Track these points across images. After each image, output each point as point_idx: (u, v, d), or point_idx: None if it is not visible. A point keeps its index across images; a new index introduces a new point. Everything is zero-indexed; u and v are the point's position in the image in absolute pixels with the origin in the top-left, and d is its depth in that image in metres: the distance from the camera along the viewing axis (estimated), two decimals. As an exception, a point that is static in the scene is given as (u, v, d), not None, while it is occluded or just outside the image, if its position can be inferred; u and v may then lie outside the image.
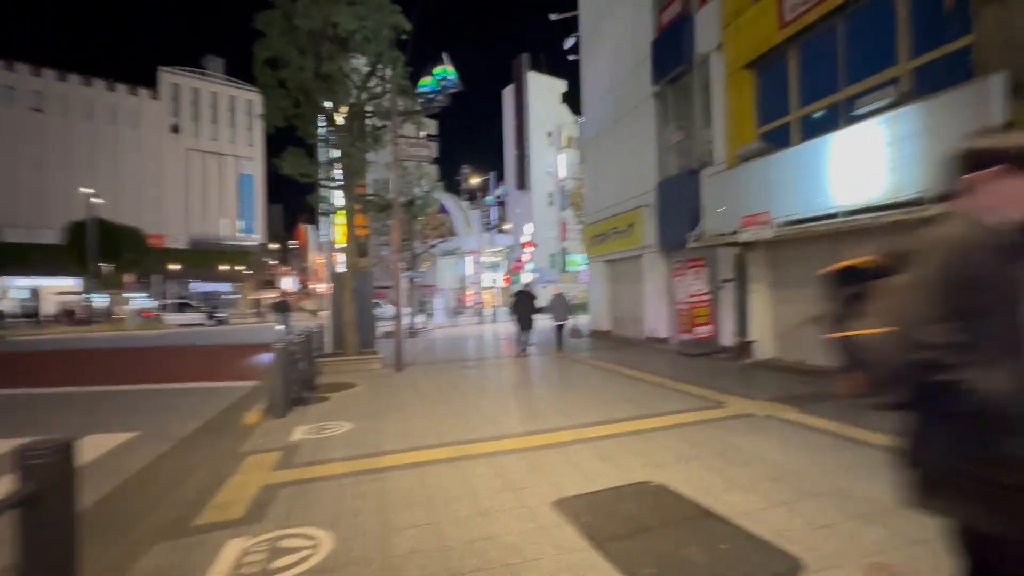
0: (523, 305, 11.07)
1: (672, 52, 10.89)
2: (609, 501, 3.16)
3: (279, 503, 3.32)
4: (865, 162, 5.85)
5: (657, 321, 12.13)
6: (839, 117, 6.94)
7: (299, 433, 5.15)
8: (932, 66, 5.80)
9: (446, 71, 9.74)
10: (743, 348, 8.71)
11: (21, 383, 9.15)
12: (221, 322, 31.09)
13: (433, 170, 19.32)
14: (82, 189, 31.39)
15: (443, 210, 37.91)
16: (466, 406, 6.10)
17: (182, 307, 31.47)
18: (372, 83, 10.41)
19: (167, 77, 58.45)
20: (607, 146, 14.45)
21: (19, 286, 45.79)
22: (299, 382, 6.72)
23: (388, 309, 22.28)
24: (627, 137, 13.25)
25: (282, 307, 14.90)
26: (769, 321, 8.59)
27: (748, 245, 8.51)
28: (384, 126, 10.98)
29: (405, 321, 18.01)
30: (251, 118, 57.90)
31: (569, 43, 18.38)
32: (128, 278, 27.58)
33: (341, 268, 10.74)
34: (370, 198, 12.36)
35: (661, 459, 3.89)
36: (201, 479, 3.89)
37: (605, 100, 14.47)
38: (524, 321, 10.98)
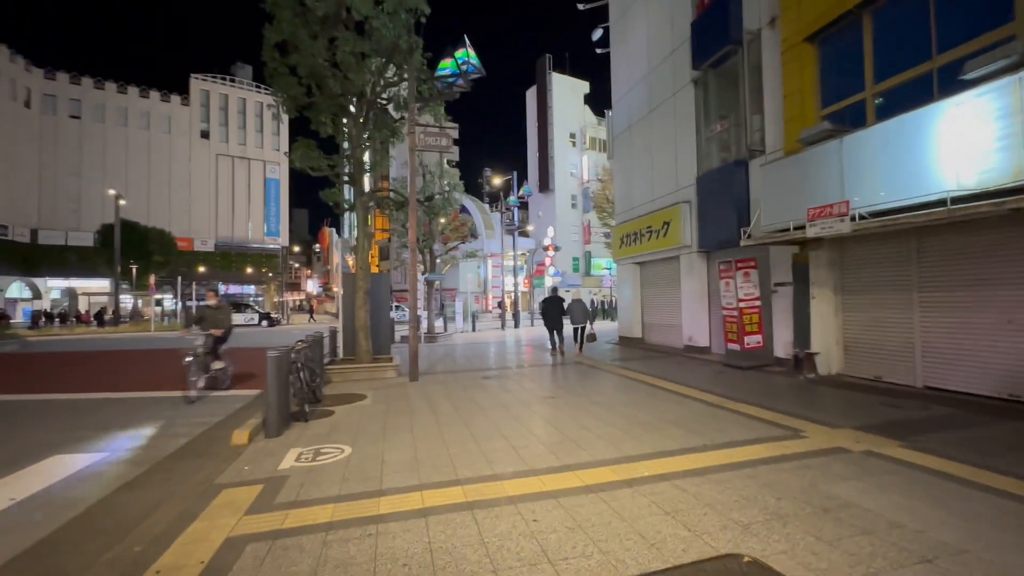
0: (553, 308, 11.82)
1: (715, 32, 9.86)
2: (688, 588, 2.22)
3: (240, 571, 2.49)
4: (979, 139, 4.76)
5: (696, 328, 11.05)
6: (932, 89, 5.85)
7: (290, 458, 4.35)
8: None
9: (468, 54, 8.92)
10: (803, 361, 7.60)
11: (19, 388, 8.67)
12: (272, 323, 31.21)
13: (455, 172, 18.61)
14: (109, 191, 31.75)
15: (464, 211, 37.32)
16: (487, 427, 5.21)
17: (236, 308, 31.73)
18: (389, 72, 9.71)
19: (198, 84, 59.92)
20: (639, 140, 13.44)
21: (56, 287, 47.30)
22: (301, 394, 5.96)
23: (407, 312, 21.62)
24: (662, 129, 12.24)
25: (207, 317, 7.77)
26: (834, 331, 7.46)
27: (810, 243, 7.42)
28: (402, 118, 10.29)
29: (423, 326, 17.30)
30: (278, 123, 58.75)
31: (597, 34, 17.43)
32: (152, 279, 27.67)
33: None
34: (386, 193, 11.65)
35: (745, 516, 2.92)
36: (157, 523, 3.11)
37: (637, 91, 13.49)
38: (555, 323, 11.72)
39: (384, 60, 9.37)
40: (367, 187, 9.71)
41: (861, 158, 5.94)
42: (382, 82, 9.53)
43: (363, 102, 9.50)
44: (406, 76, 9.45)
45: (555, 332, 11.72)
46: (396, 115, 10.57)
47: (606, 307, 26.91)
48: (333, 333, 10.39)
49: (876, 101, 6.51)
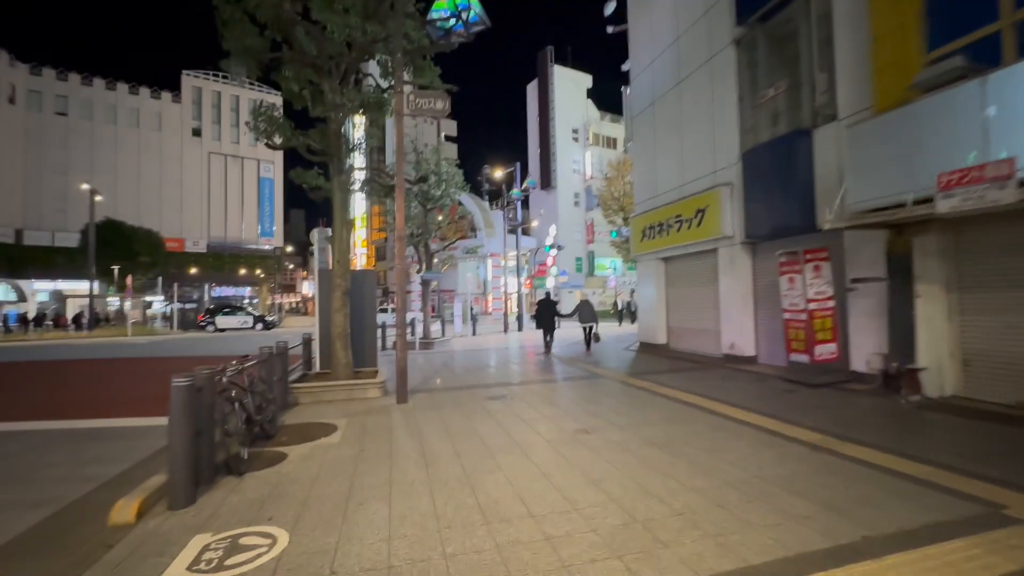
0: (545, 311, 12.46)
1: (766, -22, 8.18)
2: None
3: None
4: None
5: (739, 334, 9.33)
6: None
7: (184, 560, 2.65)
8: None
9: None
10: (902, 378, 5.89)
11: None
12: (268, 326, 29.65)
13: (452, 158, 16.86)
14: (83, 186, 29.94)
15: (461, 206, 35.57)
16: (501, 491, 3.49)
17: (233, 311, 30.36)
18: (371, 28, 7.99)
19: (189, 81, 58.31)
20: (665, 117, 11.75)
21: (43, 289, 45.57)
22: (239, 434, 4.24)
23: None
24: (694, 102, 10.54)
25: None
26: (948, 340, 5.75)
27: (911, 227, 5.73)
28: (390, 87, 8.58)
29: (418, 330, 15.58)
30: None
31: (610, 8, 15.78)
32: (128, 281, 25.91)
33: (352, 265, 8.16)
34: (383, 175, 9.93)
35: None
36: None
37: (662, 61, 11.80)
38: (547, 324, 12.29)
39: (366, 14, 7.65)
40: (346, 165, 8.00)
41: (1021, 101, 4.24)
42: (366, 36, 7.82)
43: (342, 62, 7.82)
44: (392, 31, 7.73)
45: (547, 334, 12.30)
46: (384, 83, 8.89)
47: (632, 308, 25.03)
48: (307, 342, 8.67)
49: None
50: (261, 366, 5.56)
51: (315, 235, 8.53)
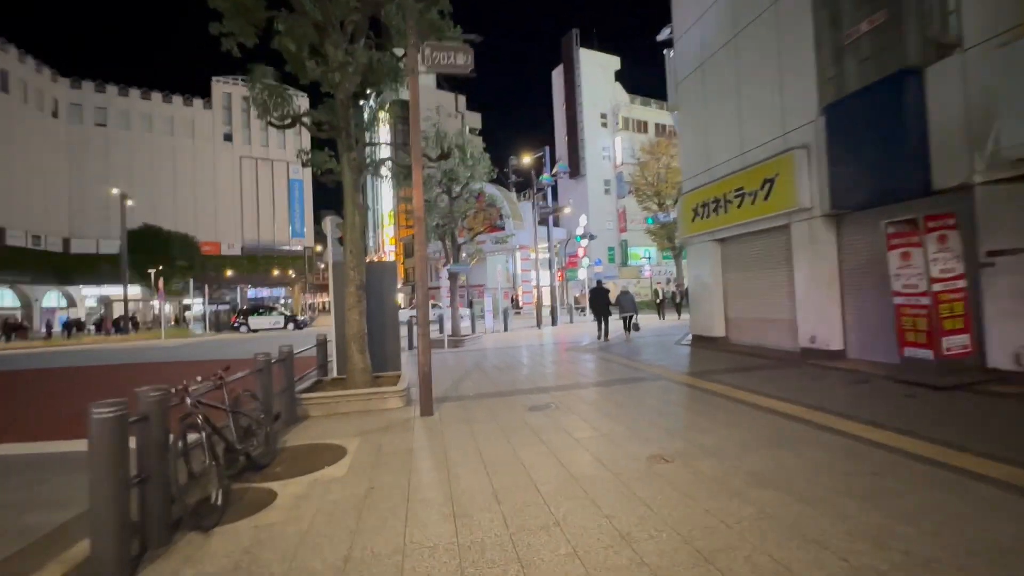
0: (599, 299, 13.06)
1: None
2: None
3: None
4: None
5: (822, 325, 7.87)
6: None
7: None
8: None
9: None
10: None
11: None
12: (299, 326, 29.85)
13: (478, 140, 15.75)
14: (113, 191, 30.37)
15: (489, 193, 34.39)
16: (563, 566, 2.34)
17: (266, 312, 30.76)
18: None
19: (219, 87, 59.34)
20: (718, 78, 10.26)
21: (90, 295, 47.19)
22: (213, 473, 3.24)
23: (435, 311, 19.11)
24: (756, 54, 9.04)
25: None
26: None
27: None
28: (405, 54, 7.51)
29: (447, 327, 14.60)
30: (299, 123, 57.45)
31: (646, -33, 14.21)
32: (160, 285, 26.05)
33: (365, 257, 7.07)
34: (373, 151, 8.89)
35: None
36: None
37: (713, 14, 10.30)
38: (602, 312, 12.84)
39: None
40: (355, 140, 6.97)
41: None
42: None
43: (348, 23, 6.78)
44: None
45: (602, 320, 12.80)
46: (398, 51, 7.83)
47: (677, 300, 23.33)
48: (322, 343, 7.74)
49: None
50: (257, 377, 4.59)
51: (327, 223, 7.65)
